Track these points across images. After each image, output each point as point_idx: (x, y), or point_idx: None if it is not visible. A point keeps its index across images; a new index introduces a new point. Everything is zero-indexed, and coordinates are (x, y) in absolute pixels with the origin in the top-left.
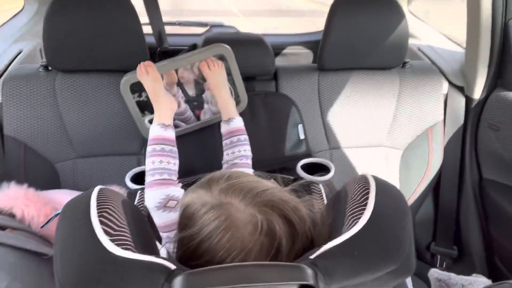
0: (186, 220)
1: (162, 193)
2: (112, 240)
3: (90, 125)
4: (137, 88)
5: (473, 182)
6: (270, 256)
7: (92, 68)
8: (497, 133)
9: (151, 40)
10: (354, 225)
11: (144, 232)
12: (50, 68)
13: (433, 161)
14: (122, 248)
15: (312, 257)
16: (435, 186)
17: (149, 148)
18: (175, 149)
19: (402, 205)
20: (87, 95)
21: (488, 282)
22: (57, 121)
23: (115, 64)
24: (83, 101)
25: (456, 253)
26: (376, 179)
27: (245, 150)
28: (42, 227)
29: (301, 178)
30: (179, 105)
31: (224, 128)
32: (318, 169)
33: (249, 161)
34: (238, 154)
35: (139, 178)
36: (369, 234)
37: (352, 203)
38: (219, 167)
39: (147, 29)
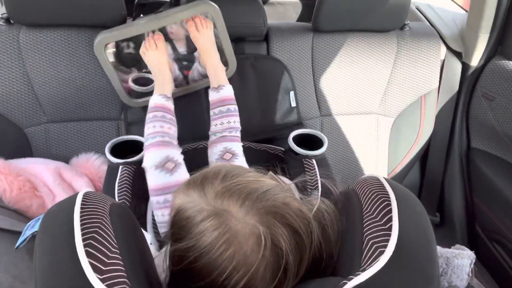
0: (179, 229)
1: (162, 153)
2: (104, 280)
3: (62, 87)
4: (125, 39)
5: (461, 151)
6: (277, 275)
7: (61, 22)
8: (491, 103)
9: None
10: (379, 256)
11: (136, 248)
12: (12, 21)
13: (423, 130)
14: None
15: None
16: (424, 154)
17: (150, 115)
18: (174, 118)
19: (427, 225)
20: (56, 53)
21: (471, 254)
22: (23, 81)
23: (87, 18)
24: (52, 60)
25: (438, 220)
26: (395, 189)
27: (235, 121)
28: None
29: (292, 150)
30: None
31: (213, 96)
32: (310, 139)
33: (238, 134)
34: (227, 125)
35: (119, 150)
36: (396, 270)
37: (371, 222)
38: (205, 136)
39: None
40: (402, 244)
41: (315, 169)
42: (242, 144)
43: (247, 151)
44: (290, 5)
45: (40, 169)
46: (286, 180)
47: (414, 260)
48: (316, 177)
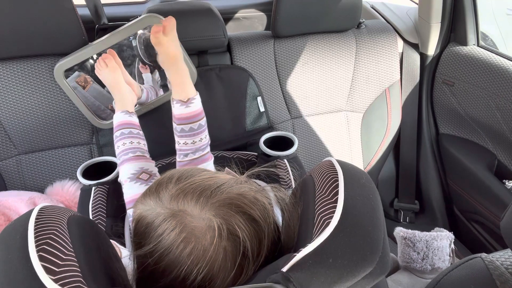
0: (139, 237)
1: (136, 166)
2: (57, 280)
3: (29, 117)
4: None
5: (431, 137)
6: (237, 262)
7: (23, 54)
8: (452, 88)
9: (85, 12)
10: (326, 227)
11: (98, 254)
12: None
13: (392, 121)
14: None
15: (284, 269)
16: (396, 145)
17: (117, 133)
18: (142, 132)
19: (372, 194)
20: (20, 84)
21: (450, 235)
22: None
23: (48, 46)
24: (17, 91)
25: (418, 207)
26: (343, 166)
27: (206, 136)
28: None
29: (266, 154)
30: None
31: (181, 110)
32: (282, 141)
33: (208, 149)
34: (200, 143)
35: (92, 173)
36: (341, 237)
37: (321, 198)
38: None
39: (80, 0)
40: (347, 213)
41: (287, 168)
42: (215, 154)
43: (220, 160)
44: (256, 18)
45: (14, 201)
46: (261, 183)
47: (359, 226)
48: (289, 176)
